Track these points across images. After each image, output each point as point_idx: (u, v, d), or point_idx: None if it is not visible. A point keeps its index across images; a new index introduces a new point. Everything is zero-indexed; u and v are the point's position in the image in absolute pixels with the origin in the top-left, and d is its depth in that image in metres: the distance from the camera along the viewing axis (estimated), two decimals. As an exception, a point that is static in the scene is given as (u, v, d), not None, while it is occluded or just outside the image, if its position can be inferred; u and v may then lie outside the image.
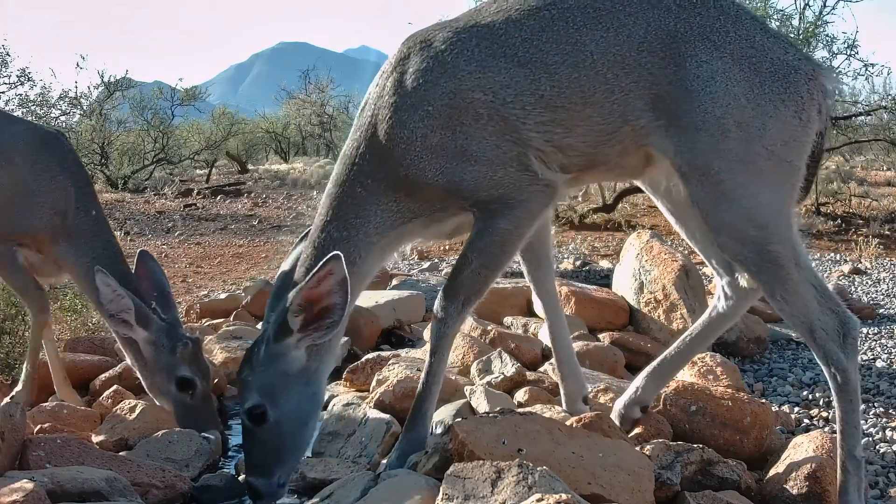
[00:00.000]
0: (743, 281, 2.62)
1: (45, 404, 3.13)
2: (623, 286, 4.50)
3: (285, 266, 2.59)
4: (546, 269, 2.84)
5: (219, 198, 14.71)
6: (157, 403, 3.05)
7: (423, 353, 3.56)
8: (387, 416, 2.86)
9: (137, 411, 2.94)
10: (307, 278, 2.25)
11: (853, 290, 5.86)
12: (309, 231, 2.58)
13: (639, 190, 7.97)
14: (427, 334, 4.03)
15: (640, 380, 2.71)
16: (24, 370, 3.25)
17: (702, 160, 2.25)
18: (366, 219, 2.45)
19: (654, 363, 2.72)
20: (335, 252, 2.23)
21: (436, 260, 7.45)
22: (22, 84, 15.98)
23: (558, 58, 2.31)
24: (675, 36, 2.27)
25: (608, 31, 2.29)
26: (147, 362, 3.03)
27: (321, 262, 2.23)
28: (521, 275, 6.19)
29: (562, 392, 2.82)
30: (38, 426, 2.92)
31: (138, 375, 3.11)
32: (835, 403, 2.34)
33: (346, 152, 2.50)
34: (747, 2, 10.10)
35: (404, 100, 2.37)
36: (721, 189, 2.25)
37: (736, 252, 2.32)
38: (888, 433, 3.16)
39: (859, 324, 2.37)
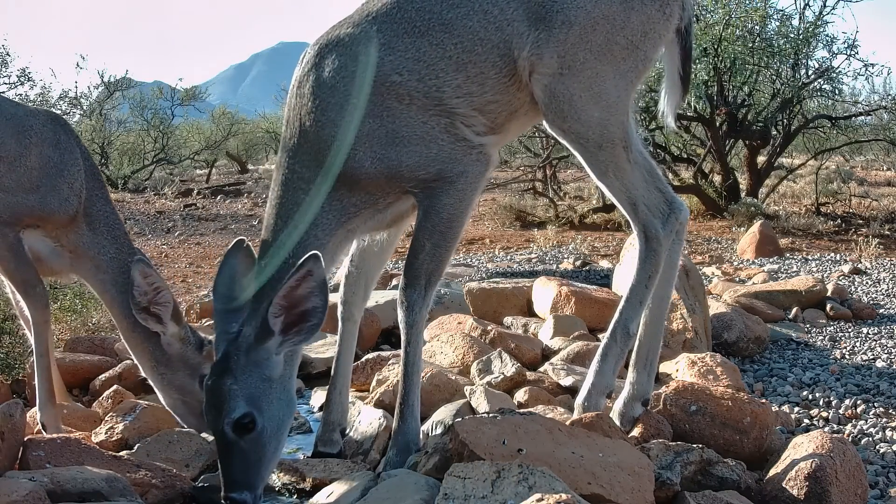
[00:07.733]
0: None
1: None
2: (623, 286, 4.48)
3: (220, 284, 2.47)
4: (364, 294, 2.85)
5: (219, 198, 14.71)
6: (163, 403, 2.98)
7: (422, 353, 3.56)
8: (379, 412, 2.86)
9: (137, 411, 2.94)
10: (286, 280, 2.20)
11: (853, 290, 5.86)
12: (243, 247, 2.55)
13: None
14: (427, 334, 4.03)
15: (629, 375, 2.71)
16: (37, 385, 2.92)
17: (571, 53, 2.40)
18: (313, 222, 2.47)
19: (634, 352, 2.70)
20: (313, 252, 2.21)
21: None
22: (22, 84, 16.06)
23: (451, 14, 2.40)
24: None
25: None
26: (171, 359, 2.92)
27: (299, 263, 2.19)
28: (521, 275, 6.22)
29: (323, 419, 2.81)
30: (38, 426, 2.93)
31: (147, 372, 2.99)
32: (636, 271, 2.57)
33: (282, 164, 2.52)
34: (748, 1, 10.11)
35: (328, 99, 2.43)
36: (581, 77, 2.41)
37: (580, 133, 2.46)
38: (888, 433, 3.16)
39: (686, 207, 2.58)
